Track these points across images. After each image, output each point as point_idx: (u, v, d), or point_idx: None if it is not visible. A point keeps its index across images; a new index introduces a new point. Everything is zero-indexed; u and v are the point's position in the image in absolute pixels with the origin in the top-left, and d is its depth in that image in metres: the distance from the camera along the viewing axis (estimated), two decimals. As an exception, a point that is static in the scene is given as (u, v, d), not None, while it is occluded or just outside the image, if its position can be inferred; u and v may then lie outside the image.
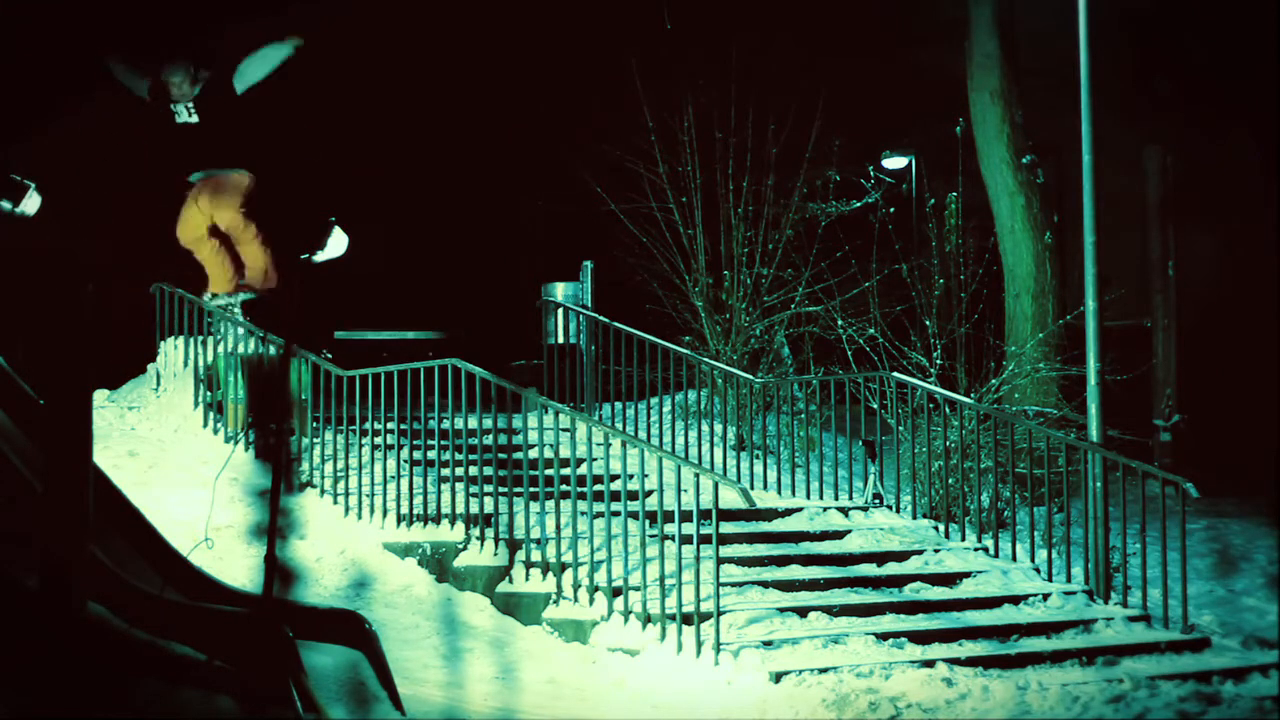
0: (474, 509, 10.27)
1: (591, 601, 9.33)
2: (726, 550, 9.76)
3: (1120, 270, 15.80)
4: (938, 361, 13.11)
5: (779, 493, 11.97)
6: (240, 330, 11.82)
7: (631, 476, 9.83)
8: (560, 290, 15.34)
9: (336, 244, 6.72)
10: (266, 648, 6.12)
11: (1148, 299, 17.12)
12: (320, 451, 11.21)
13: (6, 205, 7.04)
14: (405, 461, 10.97)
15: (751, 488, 11.10)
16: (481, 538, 10.10)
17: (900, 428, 12.53)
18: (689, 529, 8.83)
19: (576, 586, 9.42)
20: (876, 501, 11.85)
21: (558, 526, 9.67)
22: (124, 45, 12.16)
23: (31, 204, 7.13)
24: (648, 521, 9.23)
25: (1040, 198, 15.13)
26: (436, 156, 20.70)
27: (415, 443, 11.13)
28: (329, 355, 10.77)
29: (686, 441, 13.08)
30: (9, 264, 7.31)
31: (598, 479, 10.19)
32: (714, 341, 14.69)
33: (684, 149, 14.89)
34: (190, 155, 11.89)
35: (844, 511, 11.28)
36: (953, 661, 8.44)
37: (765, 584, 9.56)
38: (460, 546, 10.16)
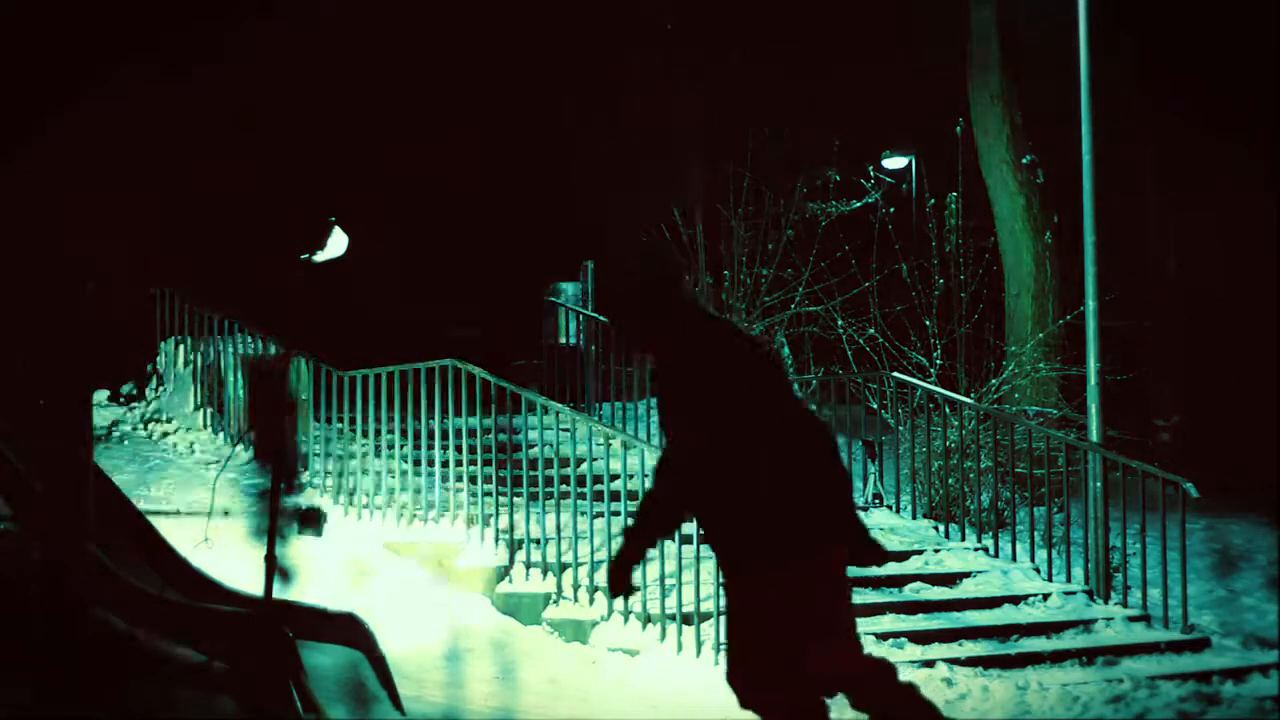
0: (474, 509, 10.27)
1: (591, 601, 9.33)
2: (726, 550, 9.74)
3: (1120, 270, 15.80)
4: (938, 361, 13.11)
5: (779, 493, 11.95)
6: None
7: (632, 476, 9.82)
8: (561, 290, 15.34)
9: (336, 244, 6.71)
10: (266, 648, 6.12)
11: (1148, 299, 17.12)
12: (320, 451, 11.21)
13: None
14: (405, 461, 10.97)
15: (751, 488, 11.09)
16: (481, 538, 10.10)
17: (900, 428, 12.53)
18: (689, 529, 8.83)
19: (576, 586, 9.42)
20: (876, 501, 11.85)
21: (558, 526, 9.67)
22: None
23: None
24: (648, 521, 9.21)
25: (1040, 198, 15.12)
26: (437, 157, 20.69)
27: (416, 442, 11.13)
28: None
29: (687, 442, 13.05)
30: (9, 264, 7.31)
31: (598, 479, 10.19)
32: (714, 341, 14.67)
33: (686, 148, 14.91)
34: None
35: (844, 511, 11.26)
36: (953, 661, 8.44)
37: (765, 584, 9.55)
38: (460, 546, 10.16)
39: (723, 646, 8.48)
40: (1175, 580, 9.95)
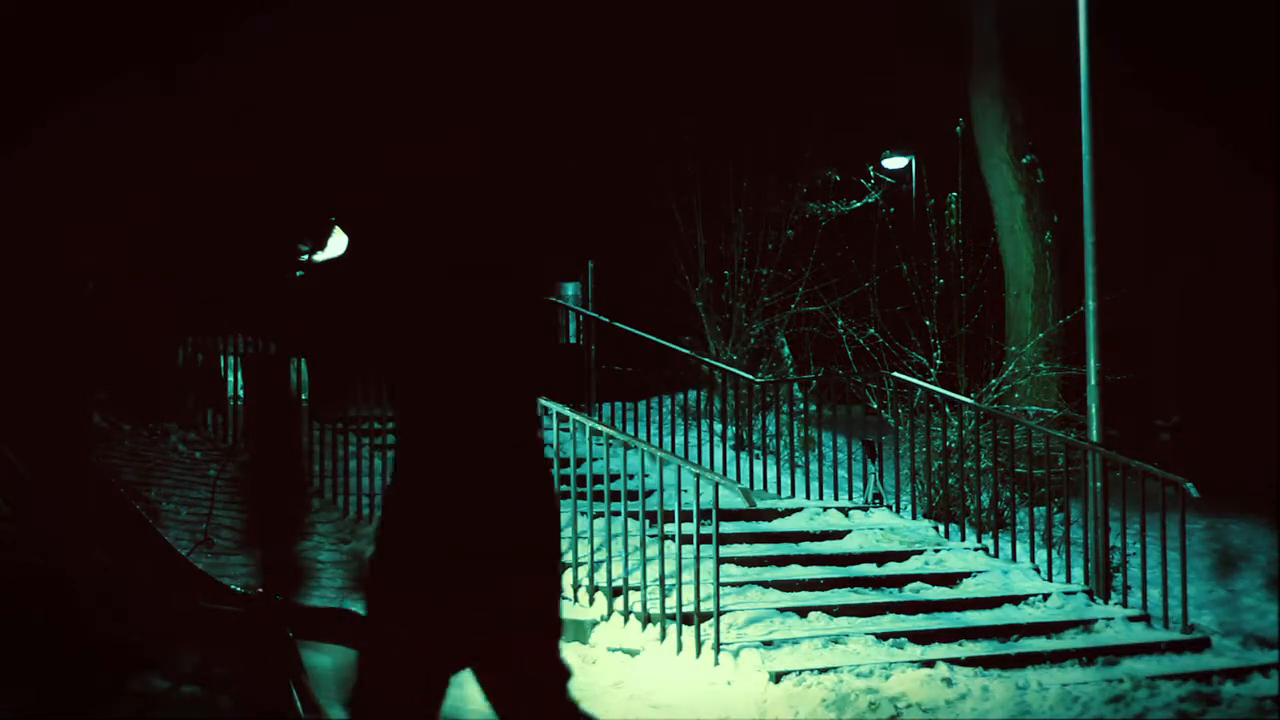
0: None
1: (591, 601, 9.32)
2: (726, 550, 9.76)
3: (1120, 270, 15.80)
4: (938, 361, 13.11)
5: (779, 493, 11.97)
6: None
7: (632, 476, 9.83)
8: (562, 290, 15.34)
9: (337, 244, 6.71)
10: (266, 648, 6.12)
11: (1148, 299, 17.12)
12: (320, 451, 11.21)
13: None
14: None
15: (751, 488, 11.10)
16: (481, 538, 10.09)
17: (900, 428, 12.53)
18: (689, 529, 8.82)
19: (576, 586, 9.41)
20: (876, 501, 11.85)
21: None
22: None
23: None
24: (648, 521, 9.23)
25: (1040, 198, 15.13)
26: (437, 156, 20.67)
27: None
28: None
29: (687, 441, 13.08)
30: (9, 264, 7.31)
31: (598, 479, 10.18)
32: (714, 341, 14.70)
33: (686, 149, 14.91)
34: None
35: (844, 511, 11.28)
36: (953, 661, 8.44)
37: (765, 584, 9.56)
38: (460, 546, 10.14)
39: (723, 647, 8.49)
40: (1175, 580, 9.95)
